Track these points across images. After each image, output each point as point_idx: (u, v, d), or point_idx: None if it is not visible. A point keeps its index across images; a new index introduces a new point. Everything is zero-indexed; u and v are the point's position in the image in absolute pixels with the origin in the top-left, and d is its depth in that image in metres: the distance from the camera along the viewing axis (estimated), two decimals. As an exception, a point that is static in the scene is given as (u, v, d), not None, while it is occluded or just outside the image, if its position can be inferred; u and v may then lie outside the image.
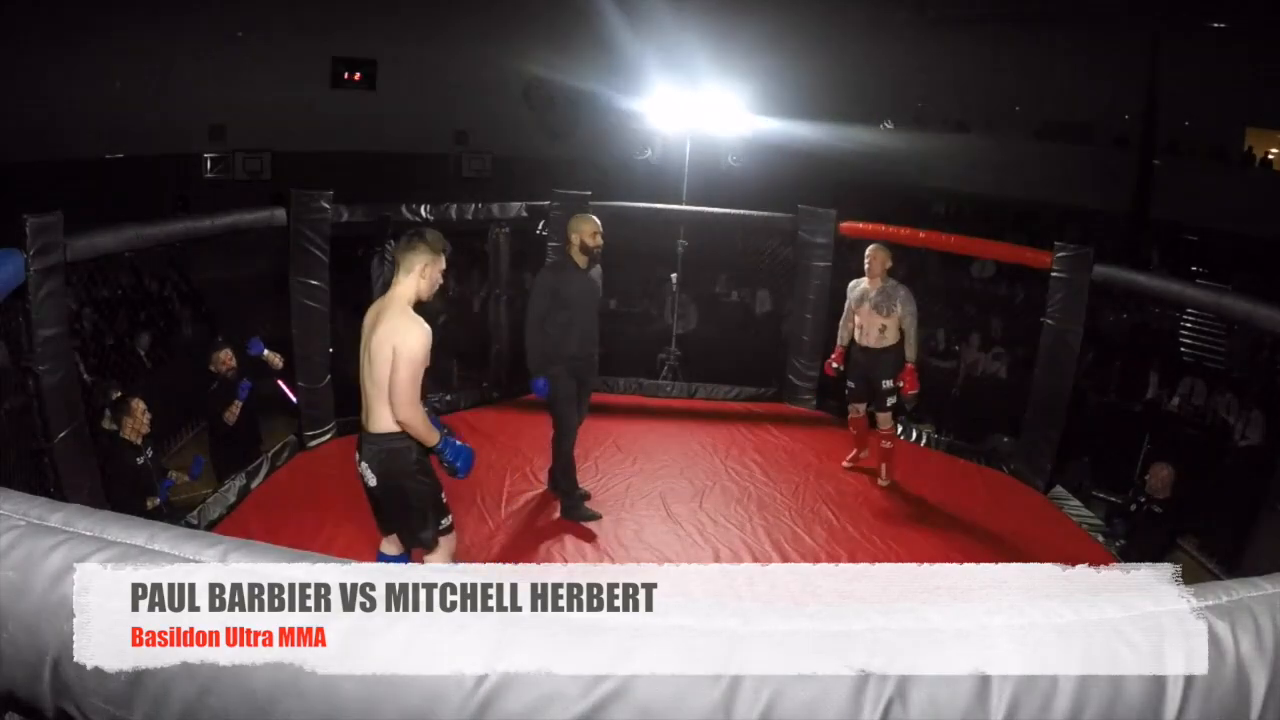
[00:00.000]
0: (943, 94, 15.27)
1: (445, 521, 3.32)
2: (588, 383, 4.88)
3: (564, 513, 4.89)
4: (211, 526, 4.59)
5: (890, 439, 5.60)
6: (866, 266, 5.51)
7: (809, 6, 13.13)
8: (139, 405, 4.52)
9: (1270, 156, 13.44)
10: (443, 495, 3.29)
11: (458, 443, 3.27)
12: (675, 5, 11.71)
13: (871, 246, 5.56)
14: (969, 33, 14.29)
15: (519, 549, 4.53)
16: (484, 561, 4.37)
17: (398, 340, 2.99)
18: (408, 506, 3.23)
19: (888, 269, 5.47)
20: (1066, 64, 13.47)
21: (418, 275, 3.10)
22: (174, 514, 4.59)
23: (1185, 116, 13.45)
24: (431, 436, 3.12)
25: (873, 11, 13.56)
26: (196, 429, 5.42)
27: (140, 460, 4.45)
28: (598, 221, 4.73)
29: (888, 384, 5.41)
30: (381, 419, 3.12)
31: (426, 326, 3.06)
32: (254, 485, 5.07)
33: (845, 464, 5.81)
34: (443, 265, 3.18)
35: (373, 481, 3.23)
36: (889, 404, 5.46)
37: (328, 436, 5.69)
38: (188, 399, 5.89)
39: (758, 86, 9.42)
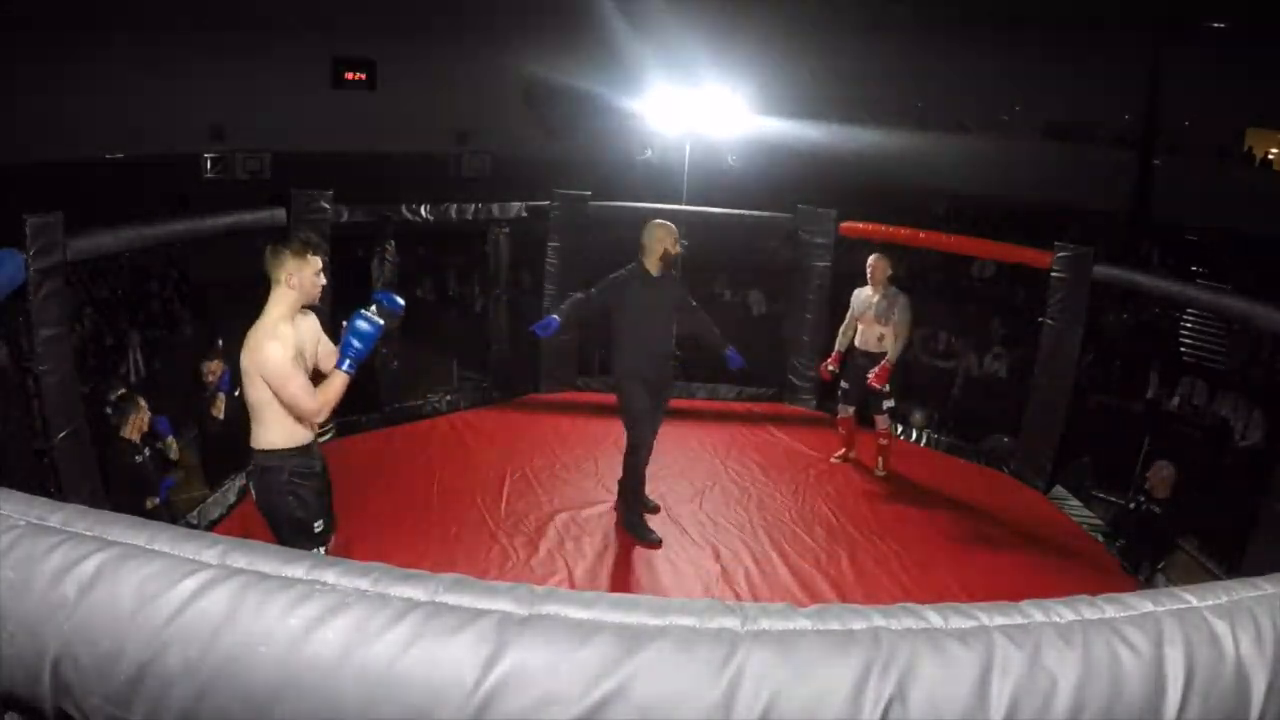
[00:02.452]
0: (943, 94, 15.28)
1: (317, 551, 3.18)
2: (663, 395, 4.78)
3: (626, 526, 4.76)
4: (211, 527, 4.59)
5: (887, 437, 5.76)
6: (869, 274, 5.62)
7: (809, 6, 13.13)
8: (139, 402, 4.51)
9: (1270, 156, 13.45)
10: (318, 525, 3.14)
11: (370, 312, 3.06)
12: (675, 5, 11.71)
13: (873, 255, 5.66)
14: (969, 33, 14.29)
15: (519, 549, 4.52)
16: (484, 561, 4.37)
17: (257, 362, 2.89)
18: (278, 525, 3.11)
19: (889, 276, 5.58)
20: (1066, 64, 13.47)
21: (285, 286, 2.96)
22: (174, 514, 4.59)
23: (1185, 116, 13.47)
24: (343, 377, 3.01)
25: (872, 11, 13.55)
26: (190, 434, 5.40)
27: (139, 459, 4.44)
28: (674, 229, 4.55)
29: (885, 388, 5.51)
30: (255, 436, 3.03)
31: (280, 333, 2.92)
32: (254, 485, 5.07)
33: (834, 459, 5.96)
34: (315, 266, 2.99)
35: (254, 497, 3.15)
36: (885, 407, 5.60)
37: (327, 436, 5.69)
38: (185, 401, 5.88)
39: (758, 86, 9.43)
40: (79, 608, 0.87)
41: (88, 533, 0.93)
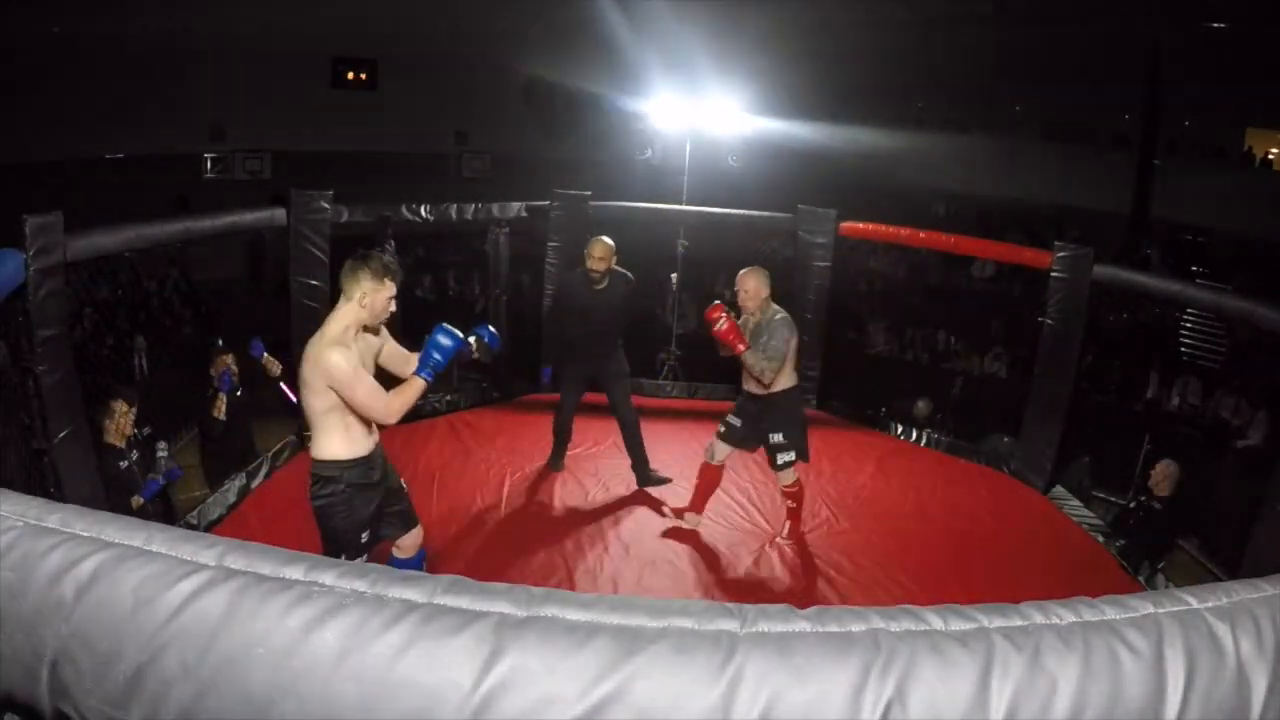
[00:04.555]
0: (943, 94, 15.28)
1: (359, 560, 3.17)
2: (602, 378, 5.16)
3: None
4: (211, 527, 4.59)
5: (794, 498, 4.71)
6: (738, 295, 4.51)
7: (809, 6, 13.13)
8: (119, 406, 4.34)
9: (1270, 156, 13.44)
10: (364, 536, 3.17)
11: (452, 327, 3.12)
12: (676, 6, 11.71)
13: (742, 271, 4.53)
14: (969, 32, 14.29)
15: (519, 549, 4.52)
16: (483, 561, 4.37)
17: (321, 371, 2.91)
18: (325, 532, 3.15)
19: (764, 297, 4.46)
20: (1066, 64, 13.47)
21: (356, 304, 2.99)
22: (170, 514, 4.58)
23: (1185, 116, 13.47)
24: (419, 384, 3.05)
25: (872, 11, 13.55)
26: (191, 434, 5.40)
27: (124, 464, 4.29)
28: (608, 244, 4.99)
29: (776, 438, 4.49)
30: (315, 446, 3.07)
31: (342, 342, 2.96)
32: (254, 485, 5.07)
33: (665, 510, 4.96)
34: (389, 291, 3.02)
35: (311, 503, 3.18)
36: (780, 462, 4.53)
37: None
38: (185, 401, 5.89)
39: (758, 87, 9.43)
40: (77, 609, 0.87)
41: (85, 533, 0.92)
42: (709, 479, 4.76)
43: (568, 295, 5.25)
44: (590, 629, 0.82)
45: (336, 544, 3.12)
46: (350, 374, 2.91)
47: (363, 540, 3.17)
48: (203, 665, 0.83)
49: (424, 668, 0.80)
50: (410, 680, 0.80)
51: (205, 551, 0.91)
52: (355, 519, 3.13)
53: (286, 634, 0.82)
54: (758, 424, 4.56)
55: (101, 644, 0.86)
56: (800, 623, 0.85)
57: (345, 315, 3.00)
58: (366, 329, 3.08)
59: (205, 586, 0.86)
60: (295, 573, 0.88)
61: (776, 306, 4.51)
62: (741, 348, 4.25)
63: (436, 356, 3.05)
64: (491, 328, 3.48)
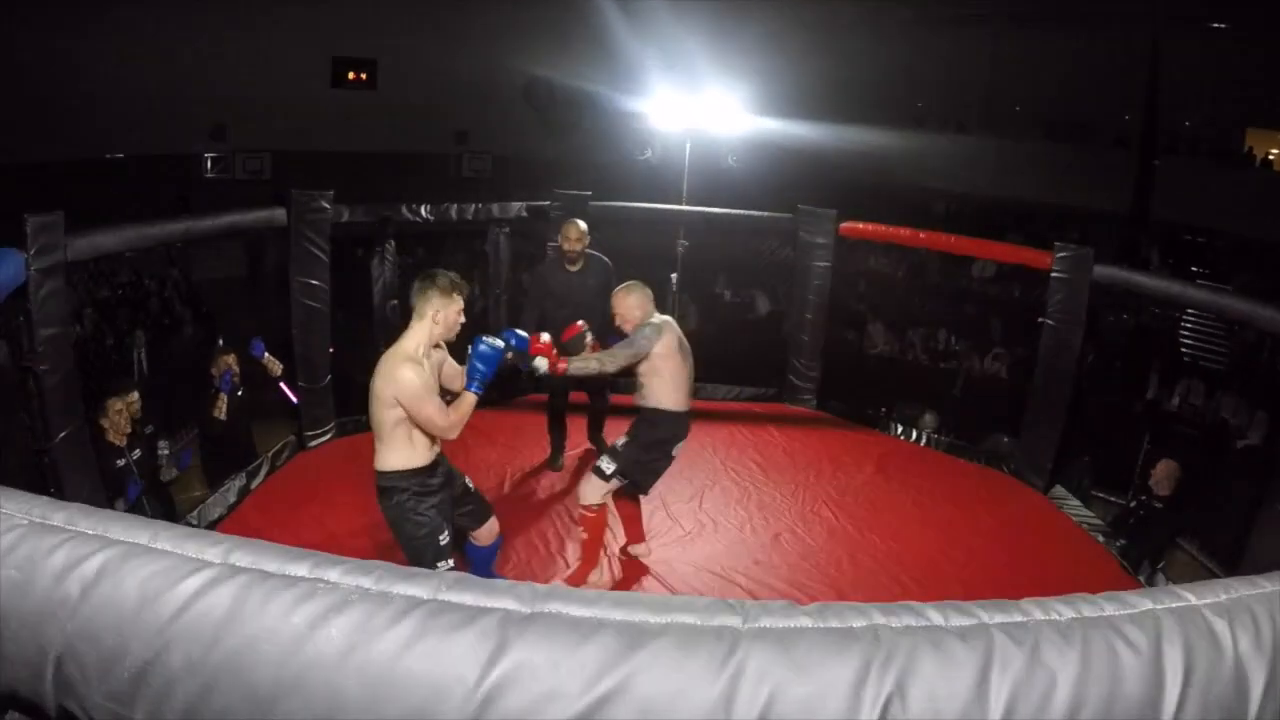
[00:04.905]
0: (943, 94, 15.28)
1: (442, 566, 3.26)
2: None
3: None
4: (212, 527, 4.58)
5: (590, 528, 4.09)
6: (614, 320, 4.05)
7: (809, 6, 13.13)
8: (114, 405, 4.34)
9: (1270, 156, 13.43)
10: (442, 538, 3.29)
11: (497, 348, 3.28)
12: (675, 5, 11.71)
13: (617, 290, 4.04)
14: (969, 33, 14.29)
15: (520, 549, 4.53)
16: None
17: (395, 391, 3.04)
18: (401, 541, 3.30)
19: (637, 318, 3.94)
20: (1066, 64, 13.47)
21: (429, 321, 3.13)
22: (171, 514, 4.58)
23: (1185, 116, 13.47)
24: (471, 398, 3.21)
25: (873, 11, 13.56)
26: (192, 433, 5.39)
27: (121, 463, 4.29)
28: (581, 227, 5.16)
29: (615, 443, 3.98)
30: (379, 457, 3.21)
31: (416, 359, 3.10)
32: (254, 485, 5.07)
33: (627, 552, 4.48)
34: (458, 305, 3.18)
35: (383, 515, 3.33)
36: (597, 467, 3.95)
37: (328, 436, 5.69)
38: (186, 401, 5.89)
39: (758, 86, 9.43)
40: (82, 606, 0.87)
41: (90, 531, 0.93)
42: (626, 510, 4.34)
43: (542, 279, 5.31)
44: (593, 625, 0.83)
45: (415, 550, 3.25)
46: (421, 389, 3.05)
47: (441, 542, 3.29)
48: (207, 662, 0.83)
49: (428, 663, 0.80)
50: (415, 676, 0.80)
51: (210, 549, 0.91)
52: (428, 524, 3.26)
53: (291, 630, 0.83)
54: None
55: (107, 641, 0.86)
56: (802, 618, 0.85)
57: (419, 333, 3.14)
58: (436, 345, 3.22)
59: (210, 584, 0.87)
60: (300, 569, 0.89)
61: (658, 320, 3.91)
62: (562, 366, 3.70)
63: (481, 368, 3.21)
64: (520, 330, 3.63)
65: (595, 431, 5.64)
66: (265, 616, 0.84)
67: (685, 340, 3.96)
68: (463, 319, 3.22)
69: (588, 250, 5.23)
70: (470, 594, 0.86)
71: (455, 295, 3.16)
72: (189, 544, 0.91)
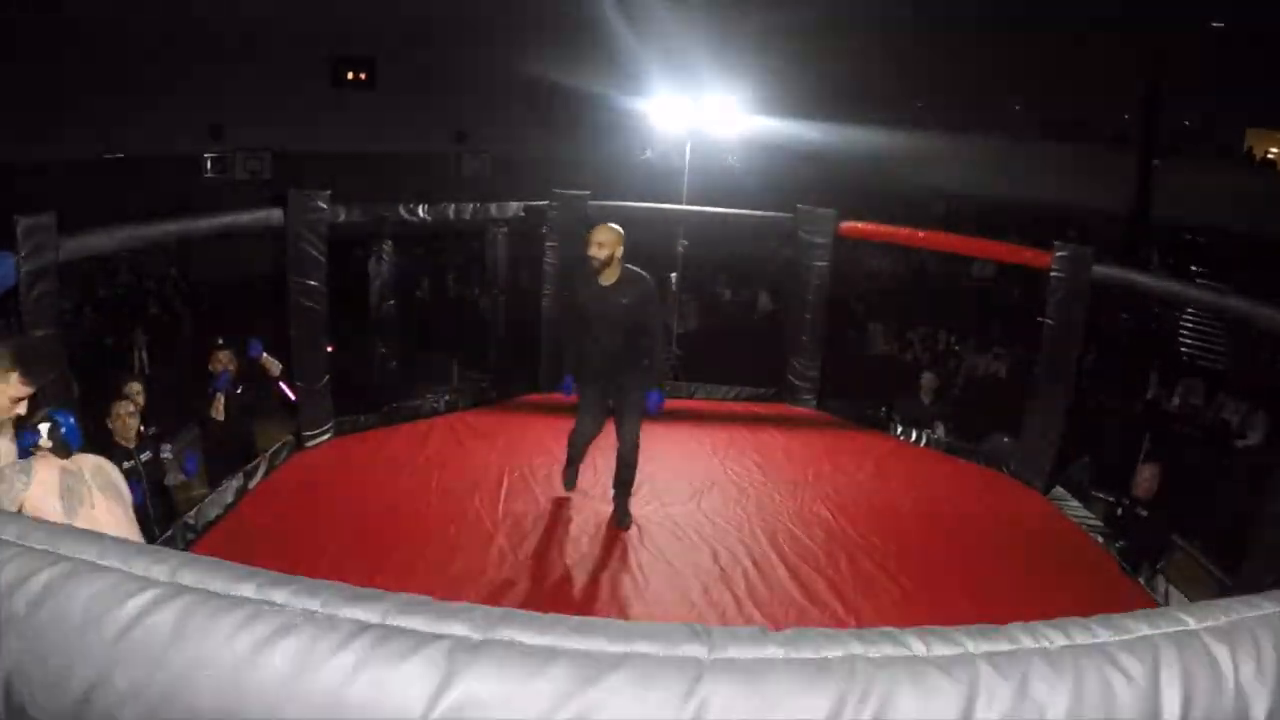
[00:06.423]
0: (943, 94, 15.26)
1: None
2: (616, 396, 4.65)
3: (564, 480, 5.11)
4: (209, 527, 4.57)
5: None
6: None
7: (809, 6, 13.12)
8: (122, 408, 4.33)
9: (1270, 156, 13.42)
10: None
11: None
12: (676, 6, 11.70)
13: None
14: (969, 33, 14.28)
15: (517, 549, 4.51)
16: (481, 561, 4.35)
17: None
18: None
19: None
20: (1066, 64, 13.46)
21: None
22: (171, 514, 4.56)
23: (1185, 116, 13.46)
24: None
25: (873, 11, 13.54)
26: (193, 433, 5.38)
27: (128, 464, 4.24)
28: (613, 230, 4.40)
29: None
30: None
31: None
32: (251, 485, 5.06)
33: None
34: (22, 391, 2.56)
35: None
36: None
37: (326, 436, 5.68)
38: (186, 400, 5.87)
39: (758, 86, 9.42)
40: (29, 624, 0.84)
41: (39, 546, 0.90)
42: None
43: (572, 293, 4.61)
44: (547, 655, 0.79)
45: None
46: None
47: None
48: (151, 686, 0.81)
49: (373, 693, 0.77)
50: (358, 707, 0.77)
51: (157, 566, 0.88)
52: None
53: (234, 655, 0.80)
54: None
55: (53, 661, 0.83)
56: (772, 648, 0.81)
57: None
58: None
59: (154, 604, 0.84)
60: (247, 590, 0.86)
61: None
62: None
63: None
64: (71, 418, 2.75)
65: (621, 487, 4.90)
66: (209, 640, 0.81)
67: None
68: (24, 399, 2.59)
69: (625, 265, 4.42)
70: (420, 618, 0.83)
71: (14, 369, 2.55)
72: (137, 561, 0.88)
